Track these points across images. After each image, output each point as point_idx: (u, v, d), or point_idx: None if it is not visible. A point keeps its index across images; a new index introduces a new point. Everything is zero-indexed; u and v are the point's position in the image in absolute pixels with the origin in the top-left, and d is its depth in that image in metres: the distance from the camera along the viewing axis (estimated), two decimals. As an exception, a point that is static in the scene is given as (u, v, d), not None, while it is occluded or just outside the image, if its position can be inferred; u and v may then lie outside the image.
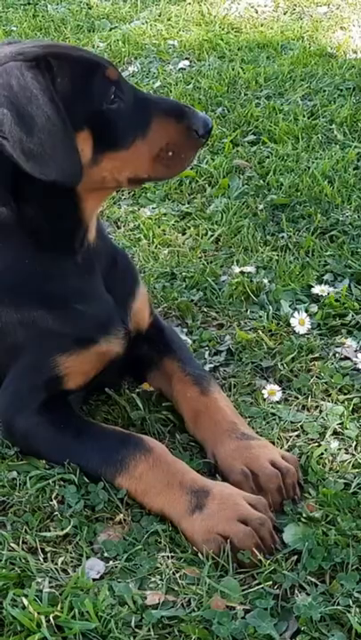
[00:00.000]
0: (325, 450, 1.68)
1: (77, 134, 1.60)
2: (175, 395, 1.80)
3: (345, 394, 1.86)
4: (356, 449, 1.70)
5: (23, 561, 1.45)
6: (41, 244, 1.69)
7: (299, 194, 2.67)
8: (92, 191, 1.70)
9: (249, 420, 1.78)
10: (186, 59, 3.87)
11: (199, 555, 1.44)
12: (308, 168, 2.81)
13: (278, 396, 1.84)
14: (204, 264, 2.37)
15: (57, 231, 1.70)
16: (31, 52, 1.60)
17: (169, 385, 1.83)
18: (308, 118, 3.19)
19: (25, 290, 1.70)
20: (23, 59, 1.58)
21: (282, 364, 1.95)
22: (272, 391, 1.84)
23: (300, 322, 2.04)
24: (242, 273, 2.26)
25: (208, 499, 1.48)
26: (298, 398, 1.85)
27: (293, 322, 2.05)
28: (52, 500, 1.57)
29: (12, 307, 1.69)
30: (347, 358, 1.98)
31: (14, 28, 4.32)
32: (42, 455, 1.66)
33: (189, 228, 2.57)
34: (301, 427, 1.76)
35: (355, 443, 1.71)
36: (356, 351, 1.99)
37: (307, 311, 2.10)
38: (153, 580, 1.42)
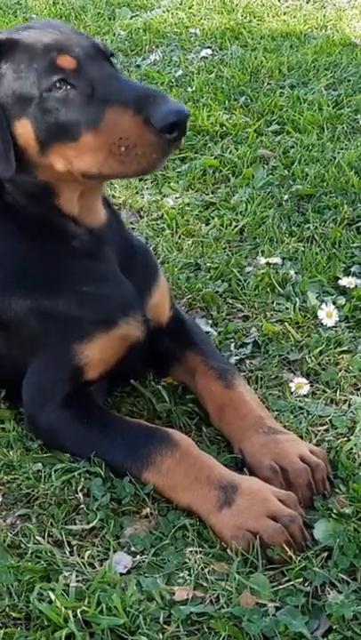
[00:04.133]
0: (355, 444, 1.65)
1: (16, 122, 1.58)
2: (199, 389, 1.77)
3: (374, 388, 1.83)
4: (386, 444, 1.67)
5: (49, 554, 1.43)
6: (30, 231, 1.69)
7: (324, 184, 2.62)
8: (61, 182, 1.64)
9: (276, 413, 1.75)
10: (208, 47, 3.82)
11: (228, 550, 1.42)
12: (334, 158, 2.76)
13: (306, 389, 1.81)
14: (228, 255, 2.34)
15: (41, 219, 1.69)
16: (2, 35, 1.62)
17: (192, 379, 1.80)
18: (333, 108, 3.14)
19: (28, 278, 1.68)
20: None
21: (309, 357, 1.92)
22: (300, 384, 1.81)
23: (328, 314, 2.01)
24: (268, 264, 2.22)
25: (237, 494, 1.45)
26: (326, 392, 1.82)
27: (321, 314, 2.02)
28: (77, 493, 1.55)
29: (21, 296, 1.67)
30: (375, 352, 1.94)
31: (34, 16, 4.28)
32: (66, 449, 1.64)
33: (213, 218, 2.53)
34: (330, 421, 1.73)
35: (385, 438, 1.68)
36: (384, 345, 1.96)
37: (334, 303, 2.07)
38: (181, 575, 1.40)
